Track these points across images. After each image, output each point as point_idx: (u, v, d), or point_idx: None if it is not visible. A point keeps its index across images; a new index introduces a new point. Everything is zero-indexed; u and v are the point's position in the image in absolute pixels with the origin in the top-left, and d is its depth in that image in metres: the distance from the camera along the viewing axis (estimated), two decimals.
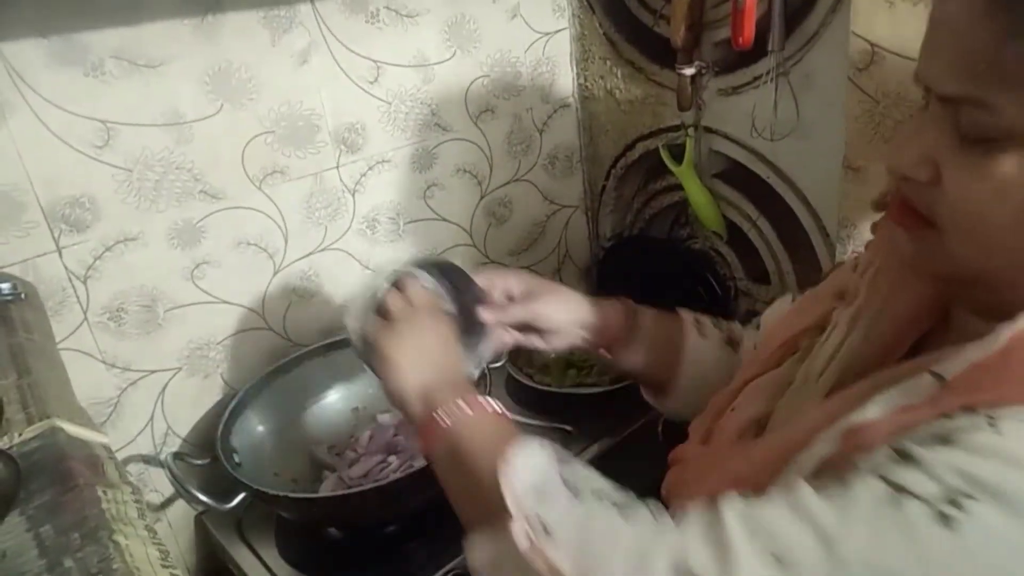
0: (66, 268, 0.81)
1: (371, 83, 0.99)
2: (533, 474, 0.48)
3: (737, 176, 1.06)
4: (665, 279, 1.19)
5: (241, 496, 0.78)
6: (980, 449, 0.38)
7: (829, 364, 0.56)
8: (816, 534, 0.39)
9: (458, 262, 1.15)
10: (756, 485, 0.45)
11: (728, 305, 1.14)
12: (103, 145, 0.80)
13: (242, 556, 0.87)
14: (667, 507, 0.55)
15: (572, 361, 1.10)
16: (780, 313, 0.73)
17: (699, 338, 0.77)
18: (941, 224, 0.44)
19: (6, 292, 0.68)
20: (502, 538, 0.45)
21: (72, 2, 0.74)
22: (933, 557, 0.36)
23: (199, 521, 0.96)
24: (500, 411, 0.59)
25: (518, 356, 1.14)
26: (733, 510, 0.42)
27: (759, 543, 0.40)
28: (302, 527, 0.90)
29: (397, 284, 0.67)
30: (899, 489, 0.38)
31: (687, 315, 0.79)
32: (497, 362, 0.98)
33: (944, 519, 0.36)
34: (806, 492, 0.41)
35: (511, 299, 0.75)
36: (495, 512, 0.47)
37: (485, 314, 0.71)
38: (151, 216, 0.85)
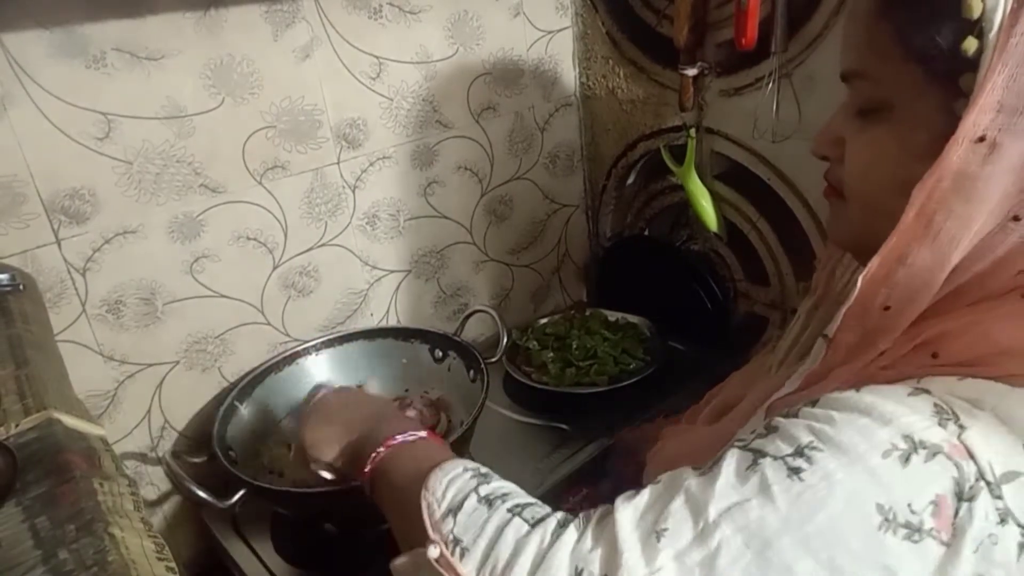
0: (65, 260, 0.81)
1: (373, 79, 0.99)
2: (451, 494, 0.51)
3: (738, 177, 1.06)
4: (664, 280, 1.19)
5: (241, 492, 0.78)
6: (836, 403, 0.41)
7: (789, 353, 0.60)
8: (688, 503, 0.42)
9: (458, 259, 1.17)
10: (703, 461, 0.50)
11: (727, 307, 1.14)
12: (104, 137, 0.80)
13: (237, 551, 0.87)
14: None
15: (571, 360, 1.10)
16: None
17: None
18: (846, 193, 0.49)
19: (5, 283, 0.68)
20: (420, 553, 0.48)
21: None
22: (784, 505, 0.39)
23: (195, 515, 0.96)
24: (425, 436, 0.62)
25: (516, 354, 1.14)
26: (625, 508, 0.44)
27: (644, 527, 0.42)
28: (298, 522, 0.90)
29: None
30: (757, 453, 0.42)
31: None
32: (493, 357, 0.98)
33: (793, 471, 0.40)
34: (686, 471, 0.44)
35: None
36: (419, 534, 0.50)
37: None
38: (151, 209, 0.85)
